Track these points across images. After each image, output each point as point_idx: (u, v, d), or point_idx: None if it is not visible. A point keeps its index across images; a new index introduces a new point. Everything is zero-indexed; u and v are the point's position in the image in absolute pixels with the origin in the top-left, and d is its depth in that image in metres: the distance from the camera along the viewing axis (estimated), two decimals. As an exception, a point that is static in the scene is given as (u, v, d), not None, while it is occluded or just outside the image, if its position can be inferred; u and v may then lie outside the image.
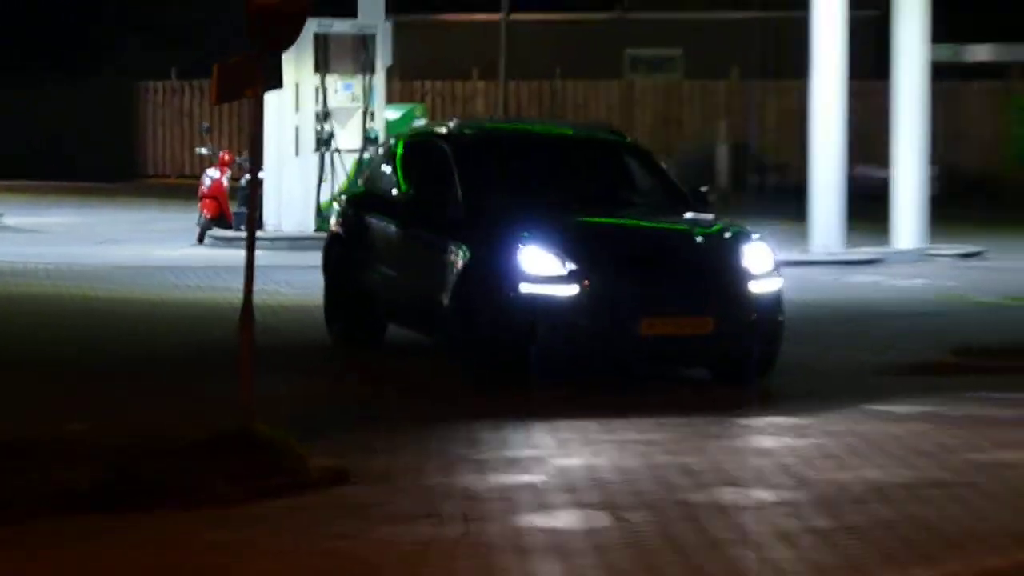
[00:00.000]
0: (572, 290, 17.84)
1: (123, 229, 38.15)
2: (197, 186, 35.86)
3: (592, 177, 20.71)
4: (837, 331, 24.06)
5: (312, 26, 32.87)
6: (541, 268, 17.91)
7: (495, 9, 56.93)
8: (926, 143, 33.99)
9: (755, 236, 19.20)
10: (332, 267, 21.32)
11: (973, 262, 32.25)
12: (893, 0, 33.63)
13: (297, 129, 34.48)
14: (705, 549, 12.19)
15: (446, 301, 18.56)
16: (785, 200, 36.94)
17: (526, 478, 14.59)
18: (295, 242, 33.17)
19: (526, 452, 15.75)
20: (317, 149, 34.61)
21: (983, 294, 27.34)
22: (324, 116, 34.70)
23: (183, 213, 37.61)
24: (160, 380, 19.12)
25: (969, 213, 39.17)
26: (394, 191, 20.70)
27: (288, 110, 33.97)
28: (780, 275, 18.68)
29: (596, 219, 19.22)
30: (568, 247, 18.04)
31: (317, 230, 34.13)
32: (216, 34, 23.28)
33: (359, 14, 35.54)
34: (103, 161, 55.22)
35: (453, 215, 19.10)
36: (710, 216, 19.61)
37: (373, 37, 35.41)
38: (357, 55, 35.19)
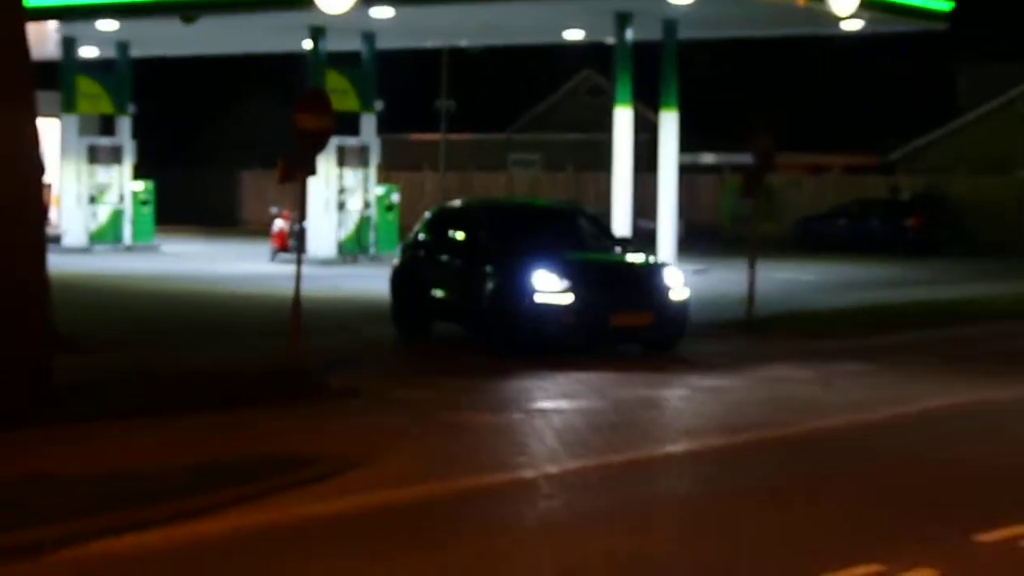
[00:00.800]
0: (568, 298, 17.26)
1: (230, 253, 37.99)
2: (270, 230, 35.75)
3: (567, 231, 19.76)
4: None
5: (335, 141, 34.00)
6: (548, 285, 17.31)
7: (437, 131, 57.99)
8: (676, 207, 33.61)
9: (670, 264, 19.57)
10: (398, 287, 19.85)
11: (700, 276, 30.95)
12: (659, 128, 32.82)
13: (326, 198, 34.74)
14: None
15: (485, 305, 17.72)
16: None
17: (474, 396, 14.75)
18: (325, 262, 33.54)
19: (481, 380, 15.85)
20: (338, 209, 34.90)
21: (705, 293, 25.68)
22: (341, 191, 35.15)
23: (263, 245, 37.01)
24: (252, 336, 18.88)
25: (701, 247, 38.54)
26: (443, 239, 19.36)
27: (322, 187, 34.34)
28: (687, 287, 18.10)
29: (577, 256, 18.41)
30: (564, 271, 17.47)
31: (338, 255, 35.39)
32: (281, 142, 24.10)
33: (361, 133, 35.81)
34: (221, 215, 56.27)
35: (484, 252, 18.28)
36: (639, 252, 19.18)
37: (368, 147, 35.63)
38: (360, 156, 35.36)
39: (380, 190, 36.32)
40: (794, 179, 51.90)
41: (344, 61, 36.41)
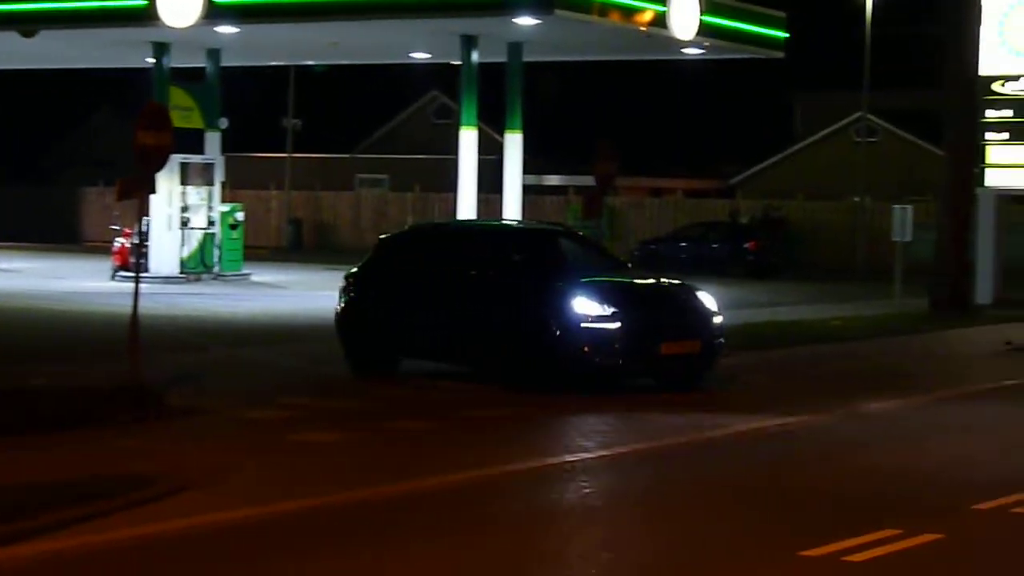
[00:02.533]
0: (615, 324, 15.75)
1: (71, 271, 37.33)
2: (111, 247, 35.28)
3: (572, 253, 18.16)
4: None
5: (178, 158, 33.57)
6: (592, 311, 15.72)
7: (283, 151, 57.64)
8: None
9: (701, 288, 17.15)
10: (353, 323, 17.66)
11: None
12: (505, 150, 32.93)
13: (169, 216, 34.21)
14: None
15: (513, 337, 15.95)
16: None
17: (325, 415, 15.12)
18: (167, 279, 33.05)
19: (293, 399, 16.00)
20: (181, 227, 34.41)
21: None
22: (184, 209, 34.52)
23: (103, 262, 36.54)
24: (90, 354, 18.52)
25: None
26: (425, 266, 17.36)
27: (164, 205, 33.78)
28: (722, 313, 16.79)
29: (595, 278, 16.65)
30: (606, 296, 15.96)
31: (181, 272, 34.87)
32: (122, 160, 23.80)
33: (205, 151, 35.16)
34: (64, 232, 55.19)
35: (505, 278, 16.66)
36: (647, 274, 18.18)
37: (212, 164, 35.11)
38: (204, 174, 34.86)
39: (224, 208, 35.93)
40: (636, 201, 52.61)
41: (189, 78, 36.05)
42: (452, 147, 33.12)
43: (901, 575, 8.76)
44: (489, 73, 33.45)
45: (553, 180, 55.66)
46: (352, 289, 18.11)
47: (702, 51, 33.37)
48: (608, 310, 15.75)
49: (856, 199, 48.97)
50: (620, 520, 10.25)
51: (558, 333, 15.71)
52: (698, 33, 30.78)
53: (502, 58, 32.62)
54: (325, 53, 37.75)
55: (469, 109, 32.13)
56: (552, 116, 55.63)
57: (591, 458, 12.42)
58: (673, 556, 9.09)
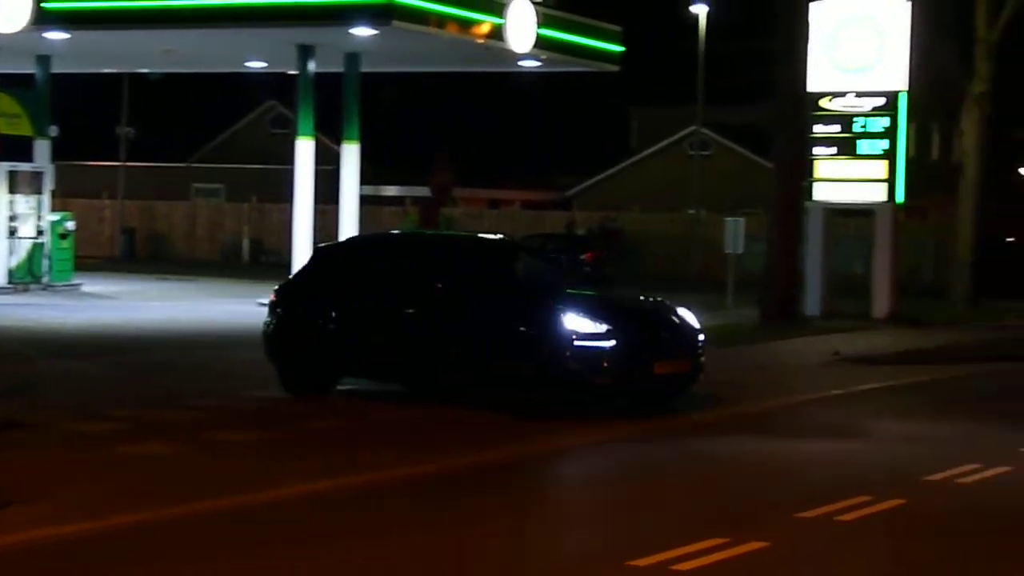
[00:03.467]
0: (609, 343, 14.87)
1: None
2: None
3: (539, 268, 17.88)
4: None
5: (6, 166, 32.86)
6: (584, 328, 14.88)
7: (117, 159, 56.72)
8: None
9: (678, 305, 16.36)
10: (287, 342, 16.52)
11: None
12: (342, 161, 32.50)
13: (-3, 225, 34.09)
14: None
15: (496, 356, 14.99)
16: (280, 270, 36.75)
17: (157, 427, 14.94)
18: (-6, 289, 32.39)
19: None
20: (9, 236, 33.46)
21: None
22: (12, 218, 33.54)
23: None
24: None
25: None
26: (375, 281, 16.33)
27: (-8, 213, 33.52)
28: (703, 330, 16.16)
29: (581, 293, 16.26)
30: (598, 312, 15.16)
31: (8, 283, 34.02)
32: None
33: (35, 159, 34.34)
34: None
35: (477, 293, 15.61)
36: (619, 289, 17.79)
37: (42, 173, 34.23)
38: (33, 183, 33.93)
39: (54, 217, 35.17)
40: (475, 212, 52.81)
41: (17, 84, 35.26)
42: (289, 157, 32.89)
43: (727, 583, 8.88)
44: (327, 83, 33.28)
45: (391, 191, 55.62)
46: (285, 303, 16.86)
47: (539, 64, 33.58)
48: (601, 327, 14.83)
49: (690, 211, 49.71)
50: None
51: (548, 351, 14.75)
52: (535, 46, 30.96)
53: (340, 68, 32.48)
54: (159, 61, 37.18)
55: (306, 119, 31.92)
56: (390, 127, 55.58)
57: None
58: (499, 564, 9.10)
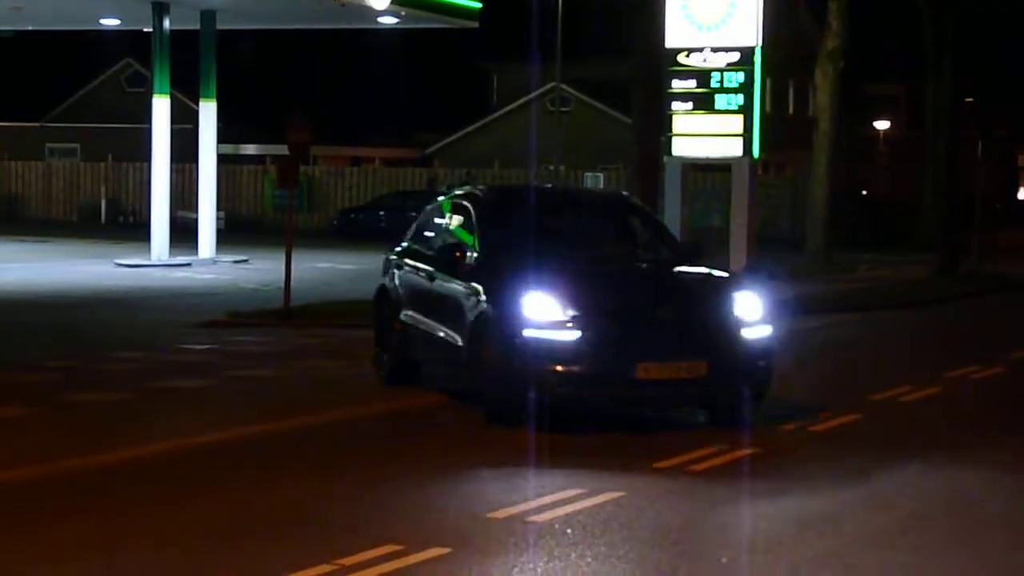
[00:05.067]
0: (571, 335, 11.66)
1: None
2: None
3: (604, 232, 14.09)
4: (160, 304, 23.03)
5: None
6: (543, 315, 11.77)
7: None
8: (214, 198, 33.48)
9: (745, 286, 12.74)
10: (378, 313, 14.66)
11: (242, 266, 31.58)
12: (200, 119, 32.52)
13: None
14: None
15: (462, 345, 12.40)
16: (139, 230, 36.29)
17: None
18: None
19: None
20: None
21: (246, 283, 26.94)
22: None
23: None
24: None
25: (244, 238, 38.27)
26: (428, 244, 13.93)
27: None
28: (770, 323, 12.44)
29: (600, 269, 13.02)
30: (571, 294, 11.88)
31: None
32: None
33: None
34: None
35: (470, 264, 12.83)
36: (710, 266, 13.42)
37: None
38: None
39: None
40: (336, 170, 52.51)
41: None
42: (146, 116, 32.46)
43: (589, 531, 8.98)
44: (184, 40, 32.81)
45: (250, 149, 55.04)
46: (386, 265, 14.69)
47: (397, 20, 33.44)
48: (568, 313, 11.64)
49: (550, 167, 49.90)
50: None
51: (491, 343, 11.86)
52: (393, 2, 30.80)
53: (196, 25, 32.06)
54: (10, 18, 36.37)
55: (162, 77, 31.51)
56: (249, 85, 54.92)
57: None
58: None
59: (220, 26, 32.49)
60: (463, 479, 10.45)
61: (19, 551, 8.30)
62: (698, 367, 11.88)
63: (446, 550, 8.27)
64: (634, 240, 14.11)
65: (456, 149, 59.52)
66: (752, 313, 12.30)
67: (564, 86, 53.83)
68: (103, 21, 35.88)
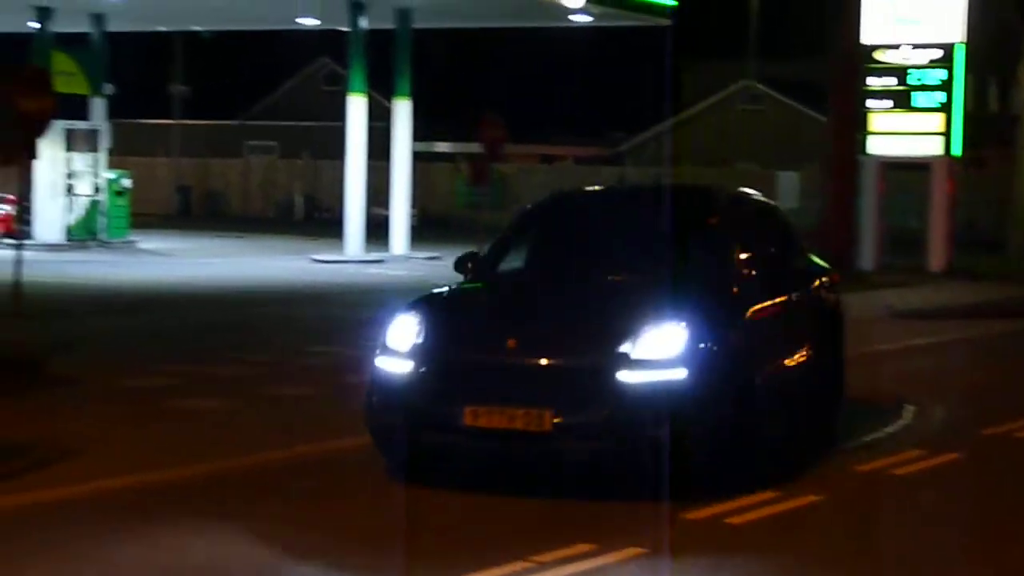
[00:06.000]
0: (405, 366, 9.55)
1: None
2: None
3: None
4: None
5: (63, 124, 32.98)
6: (398, 341, 9.74)
7: (171, 117, 56.93)
8: (408, 196, 33.84)
9: (676, 316, 9.45)
10: None
11: (434, 263, 31.37)
12: (393, 115, 33.11)
13: (54, 183, 33.54)
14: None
15: None
16: (334, 227, 36.96)
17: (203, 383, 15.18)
18: (53, 247, 32.33)
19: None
20: (66, 194, 34.01)
21: (438, 279, 27.46)
22: (69, 175, 34.03)
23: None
24: None
25: (436, 235, 38.56)
26: None
27: (49, 171, 32.97)
28: (696, 366, 9.27)
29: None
30: (432, 313, 9.91)
31: (66, 240, 34.22)
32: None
33: (91, 117, 35.00)
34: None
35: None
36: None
37: (97, 131, 34.65)
38: (90, 141, 34.31)
39: (111, 175, 35.42)
40: (526, 168, 52.67)
41: (73, 43, 35.39)
42: (341, 114, 32.88)
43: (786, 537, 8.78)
44: (378, 39, 33.20)
45: (443, 147, 55.54)
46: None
47: (591, 18, 33.39)
48: (415, 340, 9.62)
49: (741, 165, 49.39)
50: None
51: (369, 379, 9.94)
52: (588, 1, 30.76)
53: (391, 24, 32.41)
54: (212, 18, 37.26)
55: (358, 76, 31.90)
56: (442, 82, 55.41)
57: None
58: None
59: (415, 25, 32.78)
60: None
61: (261, 541, 8.36)
62: (540, 417, 9.15)
63: (641, 550, 8.15)
64: (687, 253, 10.63)
65: (647, 147, 59.28)
66: (658, 352, 9.23)
67: (758, 84, 53.33)
68: (300, 20, 36.50)
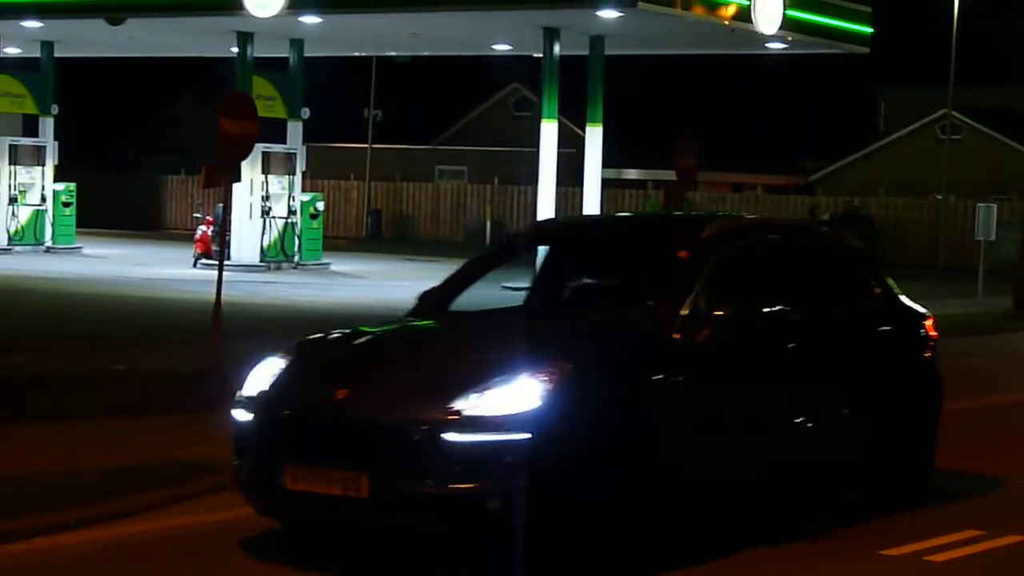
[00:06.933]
0: (244, 415, 8.55)
1: (153, 257, 37.67)
2: (193, 234, 35.74)
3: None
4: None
5: (261, 147, 33.74)
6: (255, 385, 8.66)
7: (364, 141, 57.92)
8: None
9: (528, 367, 7.79)
10: None
11: None
12: (586, 143, 32.84)
13: (251, 205, 34.41)
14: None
15: None
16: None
17: None
18: (248, 267, 33.18)
19: None
20: (262, 216, 34.71)
21: None
22: (266, 198, 34.96)
23: (185, 249, 36.67)
24: (172, 340, 18.53)
25: None
26: None
27: (246, 194, 33.77)
28: (549, 430, 7.59)
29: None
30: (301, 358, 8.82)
31: (261, 261, 35.05)
32: (202, 148, 24.28)
33: (287, 140, 35.66)
34: (145, 219, 55.68)
35: None
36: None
37: (294, 154, 35.31)
38: (286, 164, 35.06)
39: (305, 198, 36.13)
40: (717, 196, 52.39)
41: (272, 67, 36.24)
42: (531, 140, 32.98)
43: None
44: (569, 65, 33.36)
45: (632, 174, 55.52)
46: None
47: (786, 46, 33.09)
48: (258, 387, 8.55)
49: (939, 197, 48.42)
50: None
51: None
52: (782, 27, 30.52)
53: (583, 51, 32.52)
54: (406, 44, 37.81)
55: (550, 102, 32.05)
56: (632, 110, 55.43)
57: None
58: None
59: (608, 51, 32.86)
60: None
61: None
62: (357, 481, 7.75)
63: None
64: (627, 290, 9.40)
65: (840, 177, 58.50)
66: (502, 409, 7.59)
67: (955, 113, 52.26)
68: (495, 47, 36.85)
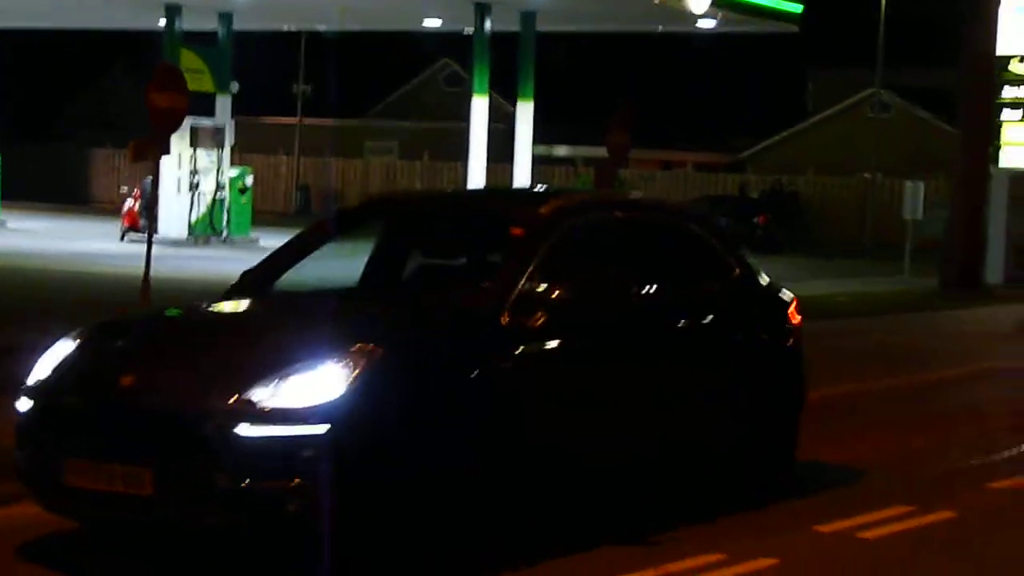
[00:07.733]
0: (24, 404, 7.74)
1: (80, 231, 37.32)
2: (120, 208, 35.64)
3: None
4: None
5: (189, 121, 33.40)
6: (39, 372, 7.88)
7: (294, 115, 57.57)
8: None
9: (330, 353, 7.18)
10: None
11: None
12: (517, 119, 32.88)
13: (178, 179, 34.06)
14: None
15: None
16: None
17: None
18: (175, 243, 32.69)
19: None
20: (190, 190, 34.29)
21: None
22: (194, 172, 34.43)
23: (112, 223, 36.45)
24: (97, 314, 18.46)
25: None
26: None
27: (174, 168, 33.38)
28: (350, 421, 7.00)
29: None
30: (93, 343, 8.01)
31: (189, 236, 34.73)
32: (133, 121, 24.00)
33: (216, 114, 35.04)
34: (72, 192, 55.03)
35: None
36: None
37: (222, 128, 34.97)
38: (215, 138, 34.74)
39: (234, 172, 35.86)
40: (647, 174, 52.51)
41: (200, 41, 35.88)
42: (462, 115, 32.93)
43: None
44: (500, 41, 33.32)
45: (562, 151, 55.57)
46: None
47: (716, 24, 33.19)
48: (48, 373, 7.78)
49: (867, 175, 48.84)
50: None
51: None
52: (713, 5, 30.60)
53: (515, 27, 32.49)
54: (337, 18, 37.59)
55: (481, 77, 32.01)
56: (562, 86, 55.47)
57: None
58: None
59: (539, 28, 32.83)
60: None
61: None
62: (139, 477, 7.10)
63: (773, 561, 8.07)
64: (449, 270, 9.18)
65: (770, 155, 58.88)
66: (300, 400, 7.03)
67: (884, 92, 52.71)
68: (425, 22, 36.72)
